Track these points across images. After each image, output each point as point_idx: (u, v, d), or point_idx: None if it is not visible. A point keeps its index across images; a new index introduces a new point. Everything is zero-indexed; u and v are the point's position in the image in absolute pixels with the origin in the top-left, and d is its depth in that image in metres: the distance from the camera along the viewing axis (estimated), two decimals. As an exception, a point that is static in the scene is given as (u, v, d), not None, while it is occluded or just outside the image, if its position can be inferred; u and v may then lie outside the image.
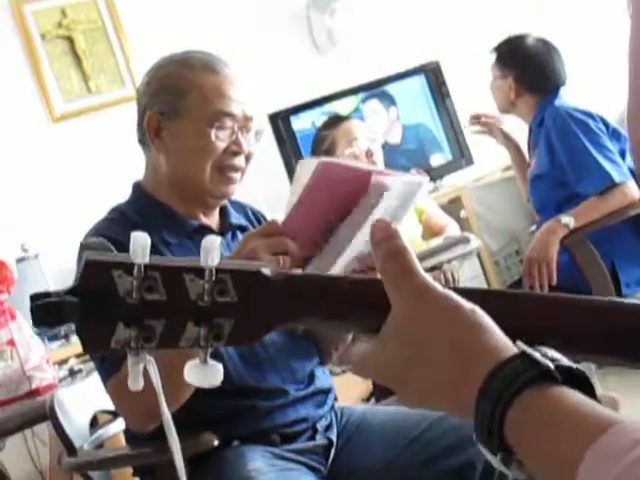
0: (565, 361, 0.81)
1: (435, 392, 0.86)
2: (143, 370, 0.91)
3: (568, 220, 3.60)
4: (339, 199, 1.64)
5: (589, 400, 0.78)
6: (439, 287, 0.87)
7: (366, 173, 1.62)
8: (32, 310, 0.85)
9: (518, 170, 4.24)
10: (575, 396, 0.78)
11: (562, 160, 3.74)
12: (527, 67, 3.92)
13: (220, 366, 0.90)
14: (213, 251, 0.87)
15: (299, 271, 0.91)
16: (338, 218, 1.65)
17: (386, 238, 0.90)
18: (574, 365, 0.81)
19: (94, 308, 0.85)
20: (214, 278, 0.87)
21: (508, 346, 0.83)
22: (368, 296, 0.90)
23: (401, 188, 1.67)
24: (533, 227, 4.23)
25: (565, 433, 0.75)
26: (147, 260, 0.85)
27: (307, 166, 1.66)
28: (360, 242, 1.69)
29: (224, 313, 0.88)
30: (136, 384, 0.91)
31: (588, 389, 0.80)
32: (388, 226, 0.91)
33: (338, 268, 1.71)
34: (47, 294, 0.85)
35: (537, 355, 0.81)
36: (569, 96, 3.92)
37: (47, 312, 0.85)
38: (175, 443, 0.94)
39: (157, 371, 0.91)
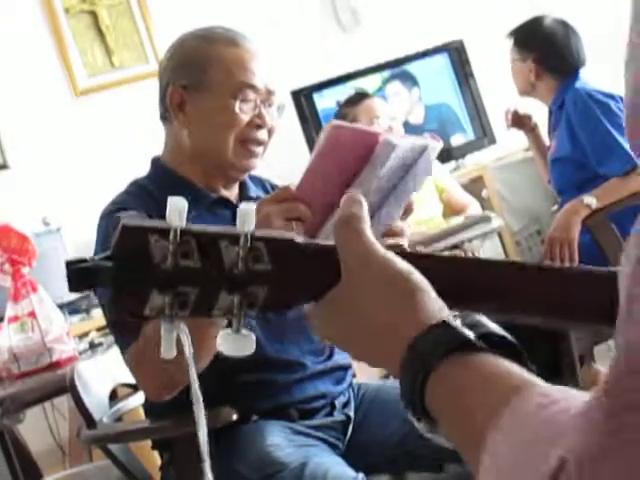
0: (492, 327, 0.82)
1: (373, 357, 0.89)
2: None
3: (590, 200, 3.59)
4: (351, 162, 1.63)
5: (506, 365, 0.78)
6: (382, 252, 0.88)
7: (375, 134, 1.61)
8: (68, 275, 0.86)
9: (537, 154, 4.22)
10: (494, 362, 0.78)
11: (583, 142, 3.72)
12: (546, 49, 3.89)
13: (253, 335, 0.90)
14: (249, 218, 0.86)
15: (330, 241, 0.90)
16: (352, 181, 1.64)
17: (346, 205, 0.91)
18: (501, 332, 0.81)
19: (129, 274, 0.85)
20: (249, 245, 0.86)
21: (434, 315, 0.83)
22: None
23: (413, 151, 1.66)
24: (555, 207, 4.22)
25: (482, 397, 0.76)
26: (184, 224, 0.85)
27: (326, 130, 1.67)
28: (370, 202, 1.68)
29: (258, 281, 0.87)
30: (170, 352, 0.90)
31: (518, 355, 0.80)
32: (354, 195, 0.92)
33: None
34: (82, 260, 0.86)
35: (457, 324, 0.81)
36: (589, 78, 3.90)
37: (82, 277, 0.85)
38: (201, 412, 0.94)
39: (190, 340, 0.91)
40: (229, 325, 0.90)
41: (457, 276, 0.90)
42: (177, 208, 0.85)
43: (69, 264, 0.86)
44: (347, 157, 1.63)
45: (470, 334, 0.80)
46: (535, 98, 4.04)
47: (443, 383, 0.79)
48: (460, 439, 0.78)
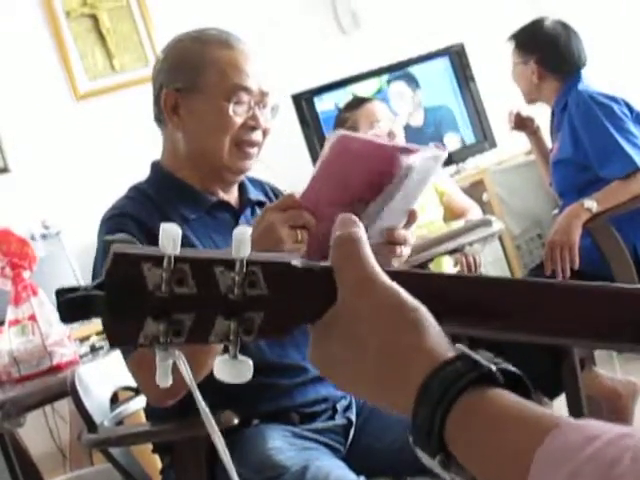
0: (504, 364, 0.80)
1: (367, 390, 0.85)
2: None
3: (591, 204, 3.58)
4: (358, 172, 1.62)
5: (529, 402, 0.76)
6: (386, 280, 0.85)
7: (389, 149, 1.61)
8: (58, 306, 0.84)
9: (539, 157, 4.22)
10: (516, 398, 0.77)
11: (585, 144, 3.72)
12: (548, 49, 3.90)
13: (250, 361, 0.88)
14: (244, 242, 0.84)
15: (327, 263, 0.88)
16: (359, 192, 1.64)
17: (342, 226, 0.89)
18: (513, 368, 0.80)
19: (122, 302, 0.83)
20: (245, 270, 0.84)
21: (445, 349, 0.81)
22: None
23: (422, 164, 1.66)
24: (555, 211, 4.21)
25: (511, 434, 0.74)
26: (177, 252, 0.83)
27: (331, 140, 1.66)
28: (385, 220, 1.68)
29: (254, 306, 0.85)
30: (165, 381, 0.89)
31: (527, 392, 0.79)
32: (349, 217, 0.90)
33: None
34: (74, 289, 0.84)
35: (478, 357, 0.79)
36: (592, 80, 3.90)
37: (74, 307, 0.83)
38: (214, 429, 0.92)
39: (188, 366, 0.90)
40: (225, 350, 0.89)
41: (461, 295, 0.88)
42: (170, 235, 0.83)
43: (59, 294, 0.84)
44: (357, 168, 1.63)
45: (491, 366, 0.78)
46: (540, 101, 4.04)
47: (467, 417, 0.76)
48: (489, 474, 0.75)
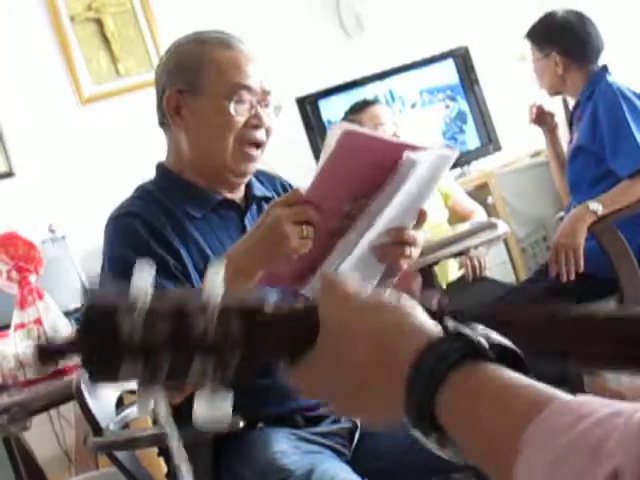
0: (498, 339, 0.80)
1: (373, 405, 0.86)
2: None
3: (596, 207, 3.58)
4: (364, 168, 1.62)
5: (525, 377, 0.76)
6: (367, 299, 0.87)
7: (396, 146, 1.60)
8: (37, 356, 0.89)
9: (552, 155, 4.20)
10: (509, 373, 0.76)
11: (603, 132, 3.70)
12: (568, 38, 3.87)
13: (230, 394, 0.90)
14: (216, 285, 0.87)
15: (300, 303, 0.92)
16: (364, 188, 1.63)
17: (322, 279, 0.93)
18: (508, 344, 0.79)
19: (99, 350, 0.87)
20: (216, 315, 0.87)
21: (434, 327, 0.82)
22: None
23: (430, 162, 1.66)
24: (561, 214, 4.21)
25: (503, 409, 0.73)
26: (148, 299, 0.86)
27: (336, 132, 1.66)
28: (388, 216, 1.68)
29: (230, 348, 0.88)
30: (144, 412, 0.91)
31: (523, 368, 0.78)
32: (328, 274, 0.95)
33: (364, 242, 1.70)
34: (52, 345, 0.89)
35: (469, 332, 0.79)
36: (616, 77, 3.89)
37: (52, 358, 0.89)
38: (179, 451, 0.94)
39: (167, 404, 0.92)
40: None
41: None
42: (141, 286, 0.87)
43: (38, 349, 0.90)
44: (362, 163, 1.63)
45: (484, 342, 0.78)
46: (564, 93, 4.03)
47: (457, 392, 0.76)
48: (479, 449, 0.75)
